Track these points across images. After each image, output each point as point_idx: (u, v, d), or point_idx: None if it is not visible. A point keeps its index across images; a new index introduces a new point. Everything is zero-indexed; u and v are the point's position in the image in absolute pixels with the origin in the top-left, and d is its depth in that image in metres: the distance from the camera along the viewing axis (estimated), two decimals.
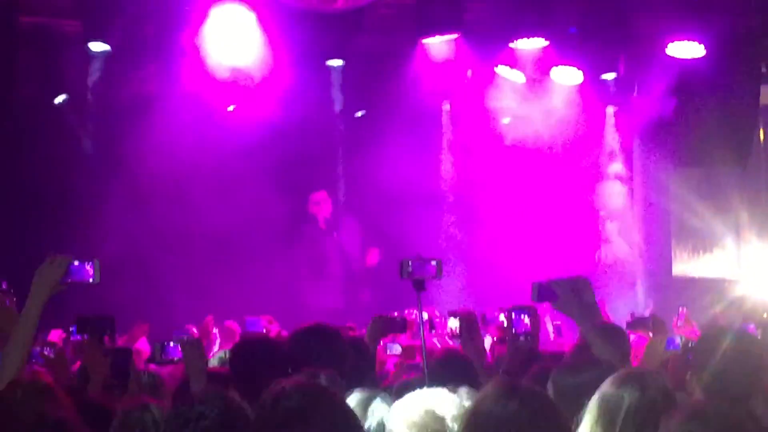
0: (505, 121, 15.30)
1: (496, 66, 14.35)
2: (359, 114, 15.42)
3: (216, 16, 13.07)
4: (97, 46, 12.75)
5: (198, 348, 5.75)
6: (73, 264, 4.89)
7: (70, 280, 4.89)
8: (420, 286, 6.48)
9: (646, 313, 11.20)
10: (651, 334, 8.12)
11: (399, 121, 14.74)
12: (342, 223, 15.13)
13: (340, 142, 15.26)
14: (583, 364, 4.81)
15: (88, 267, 4.92)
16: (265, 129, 13.90)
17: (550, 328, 10.52)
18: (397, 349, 9.07)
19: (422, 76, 14.29)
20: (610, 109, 15.50)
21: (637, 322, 9.12)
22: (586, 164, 15.63)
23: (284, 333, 10.01)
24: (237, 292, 13.20)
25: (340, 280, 14.76)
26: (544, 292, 5.61)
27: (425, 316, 8.13)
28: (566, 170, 15.54)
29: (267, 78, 13.62)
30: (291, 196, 14.57)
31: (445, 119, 15.60)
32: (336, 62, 14.18)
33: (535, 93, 14.83)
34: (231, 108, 14.28)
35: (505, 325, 7.39)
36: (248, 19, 13.13)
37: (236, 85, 13.74)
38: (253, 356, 5.66)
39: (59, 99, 13.60)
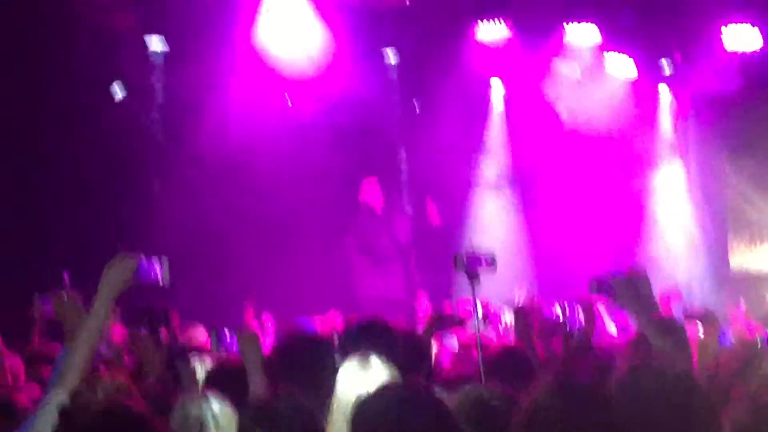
0: (563, 112, 15.21)
1: (550, 56, 14.27)
2: (417, 110, 15.40)
3: (271, 7, 13.07)
4: (154, 41, 12.77)
5: (255, 341, 5.73)
6: (142, 263, 4.88)
7: (139, 280, 4.88)
8: (475, 278, 6.45)
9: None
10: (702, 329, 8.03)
11: (453, 109, 14.70)
12: (396, 211, 15.08)
13: (396, 130, 15.24)
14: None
15: (157, 266, 4.90)
16: (321, 118, 13.96)
17: (611, 324, 10.43)
18: (453, 342, 8.98)
19: (476, 62, 14.22)
20: (665, 98, 15.33)
21: (688, 316, 9.03)
22: (641, 153, 15.50)
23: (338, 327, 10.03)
24: (292, 284, 13.26)
25: (394, 269, 14.71)
26: (603, 286, 5.56)
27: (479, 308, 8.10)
28: (621, 158, 15.44)
29: (322, 67, 13.67)
30: (347, 185, 14.64)
31: (499, 107, 15.51)
32: (391, 50, 14.17)
33: (589, 82, 14.73)
34: (289, 101, 14.34)
35: (561, 318, 7.37)
36: (304, 8, 13.11)
37: (292, 76, 13.81)
38: (298, 351, 5.64)
39: (117, 94, 13.68)
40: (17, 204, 12.50)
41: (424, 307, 12.19)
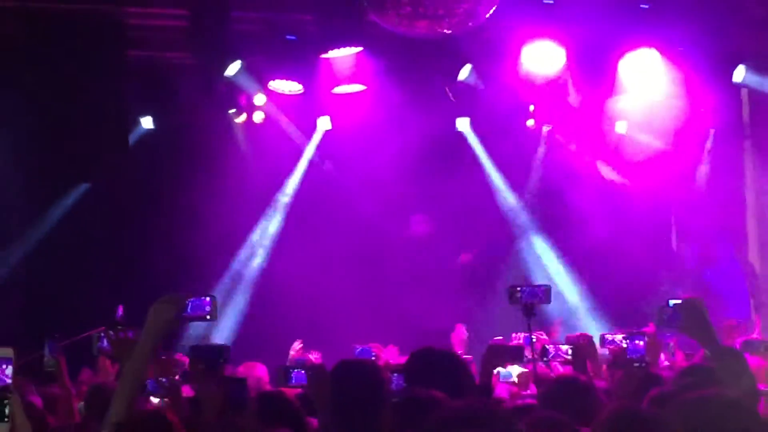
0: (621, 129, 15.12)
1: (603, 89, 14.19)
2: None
3: None
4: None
5: (323, 375, 5.73)
6: (191, 300, 4.95)
7: (187, 315, 4.95)
8: (530, 312, 6.43)
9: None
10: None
11: (496, 135, 14.70)
12: (445, 243, 15.06)
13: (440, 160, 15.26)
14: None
15: (205, 304, 4.98)
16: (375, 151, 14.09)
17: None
18: (512, 376, 8.93)
19: (518, 87, 14.06)
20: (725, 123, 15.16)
21: (746, 345, 8.89)
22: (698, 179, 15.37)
23: (392, 361, 10.01)
24: (347, 319, 13.32)
25: (446, 300, 14.67)
26: (669, 314, 5.52)
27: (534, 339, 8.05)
28: (680, 183, 15.35)
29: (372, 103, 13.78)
30: (396, 218, 14.74)
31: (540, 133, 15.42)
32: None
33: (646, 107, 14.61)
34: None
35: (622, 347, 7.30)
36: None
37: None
38: (353, 380, 5.62)
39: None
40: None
41: (461, 338, 12.18)
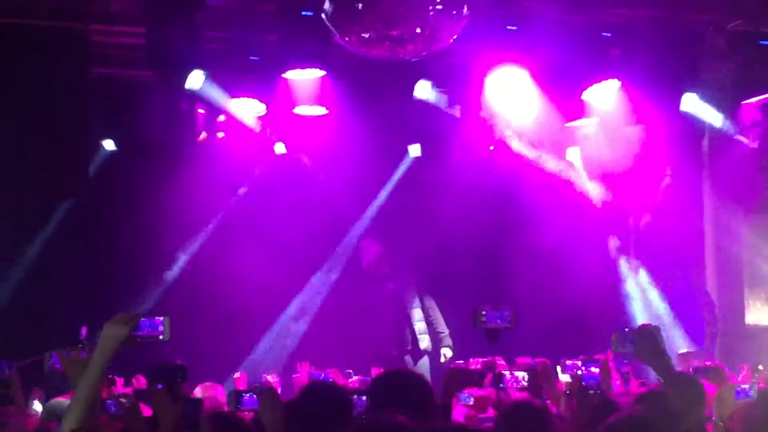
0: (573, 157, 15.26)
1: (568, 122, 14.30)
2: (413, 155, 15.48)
3: None
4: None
5: (274, 398, 5.73)
6: (143, 320, 4.97)
7: (139, 336, 4.96)
8: (494, 336, 6.44)
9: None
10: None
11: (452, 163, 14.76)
12: (395, 269, 15.05)
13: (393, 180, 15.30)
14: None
15: (158, 323, 5.00)
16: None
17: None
18: (469, 399, 8.92)
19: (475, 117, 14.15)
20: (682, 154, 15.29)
21: (698, 371, 9.00)
22: (657, 209, 15.46)
23: (349, 385, 10.03)
24: (287, 344, 13.41)
25: (394, 327, 14.67)
26: (624, 341, 5.57)
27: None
28: (638, 215, 15.45)
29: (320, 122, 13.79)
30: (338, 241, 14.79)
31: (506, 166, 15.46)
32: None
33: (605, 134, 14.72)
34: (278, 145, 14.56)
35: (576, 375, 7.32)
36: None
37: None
38: (320, 402, 5.64)
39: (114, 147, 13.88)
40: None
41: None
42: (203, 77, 12.50)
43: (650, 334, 5.46)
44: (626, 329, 5.61)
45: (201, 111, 13.66)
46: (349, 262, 15.30)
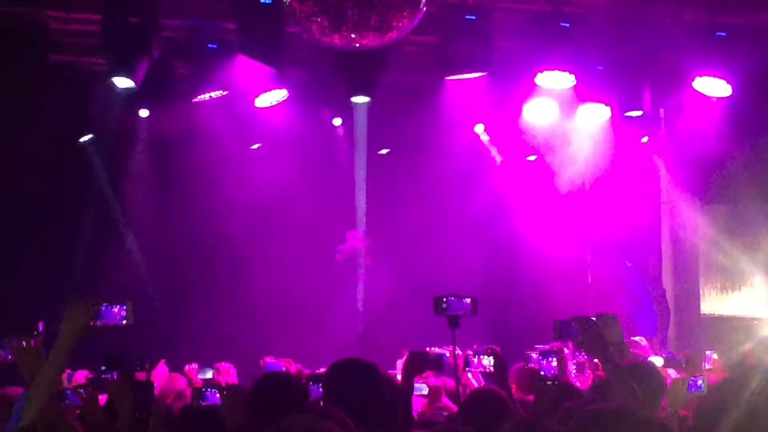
0: (531, 158, 15.32)
1: (523, 104, 14.29)
2: (383, 152, 15.44)
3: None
4: (122, 82, 12.36)
5: (237, 394, 5.74)
6: (104, 306, 4.88)
7: (100, 323, 4.87)
8: (455, 323, 6.45)
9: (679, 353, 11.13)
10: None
11: (424, 158, 14.73)
12: (370, 262, 15.08)
13: (365, 180, 15.25)
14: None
15: (119, 309, 4.91)
16: (287, 167, 13.99)
17: (572, 367, 10.41)
18: (423, 389, 8.89)
19: (448, 113, 14.13)
20: (640, 145, 15.37)
21: (669, 361, 9.07)
22: (615, 201, 15.54)
23: (305, 372, 10.01)
24: (260, 333, 13.33)
25: (366, 320, 14.71)
26: (566, 329, 5.58)
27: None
28: (597, 207, 15.52)
29: (291, 117, 13.69)
30: (316, 238, 14.69)
31: (470, 157, 15.50)
32: (361, 99, 13.79)
33: (563, 131, 14.79)
34: (255, 146, 14.39)
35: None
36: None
37: (260, 125, 13.86)
38: (274, 392, 5.66)
39: (84, 138, 13.71)
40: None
41: None
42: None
43: (592, 324, 5.45)
44: (570, 318, 5.60)
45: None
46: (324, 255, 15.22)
